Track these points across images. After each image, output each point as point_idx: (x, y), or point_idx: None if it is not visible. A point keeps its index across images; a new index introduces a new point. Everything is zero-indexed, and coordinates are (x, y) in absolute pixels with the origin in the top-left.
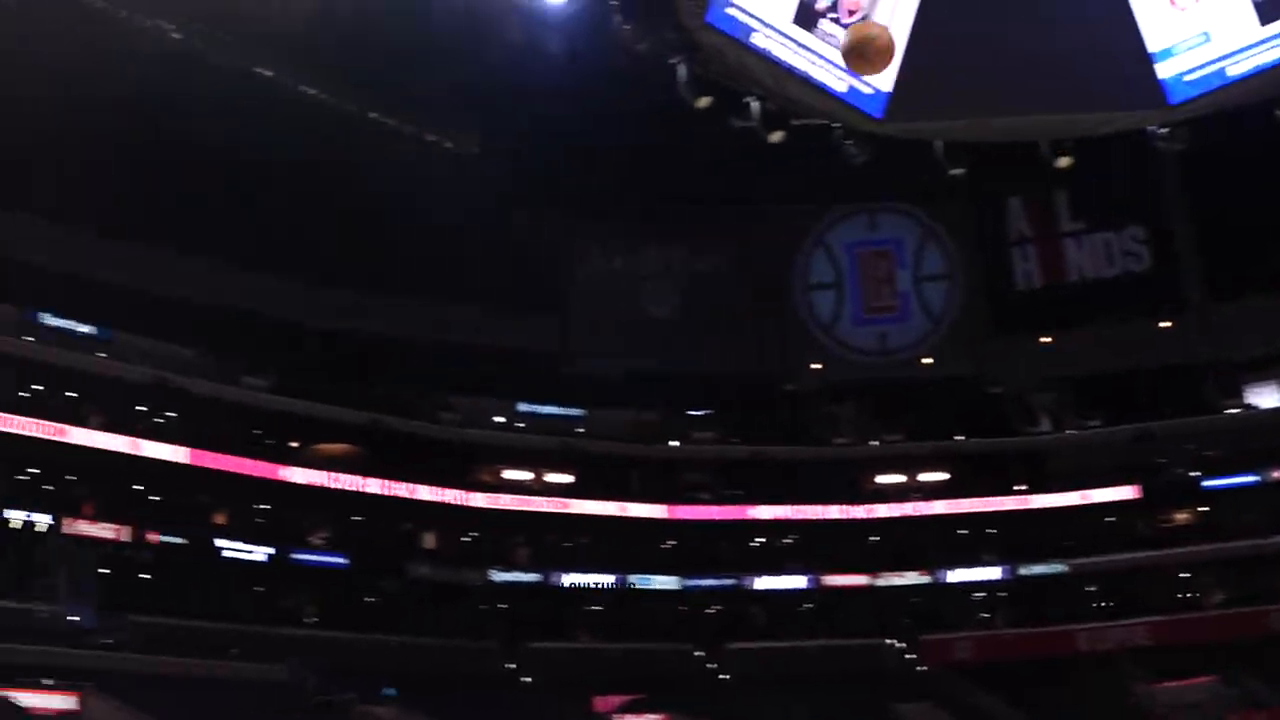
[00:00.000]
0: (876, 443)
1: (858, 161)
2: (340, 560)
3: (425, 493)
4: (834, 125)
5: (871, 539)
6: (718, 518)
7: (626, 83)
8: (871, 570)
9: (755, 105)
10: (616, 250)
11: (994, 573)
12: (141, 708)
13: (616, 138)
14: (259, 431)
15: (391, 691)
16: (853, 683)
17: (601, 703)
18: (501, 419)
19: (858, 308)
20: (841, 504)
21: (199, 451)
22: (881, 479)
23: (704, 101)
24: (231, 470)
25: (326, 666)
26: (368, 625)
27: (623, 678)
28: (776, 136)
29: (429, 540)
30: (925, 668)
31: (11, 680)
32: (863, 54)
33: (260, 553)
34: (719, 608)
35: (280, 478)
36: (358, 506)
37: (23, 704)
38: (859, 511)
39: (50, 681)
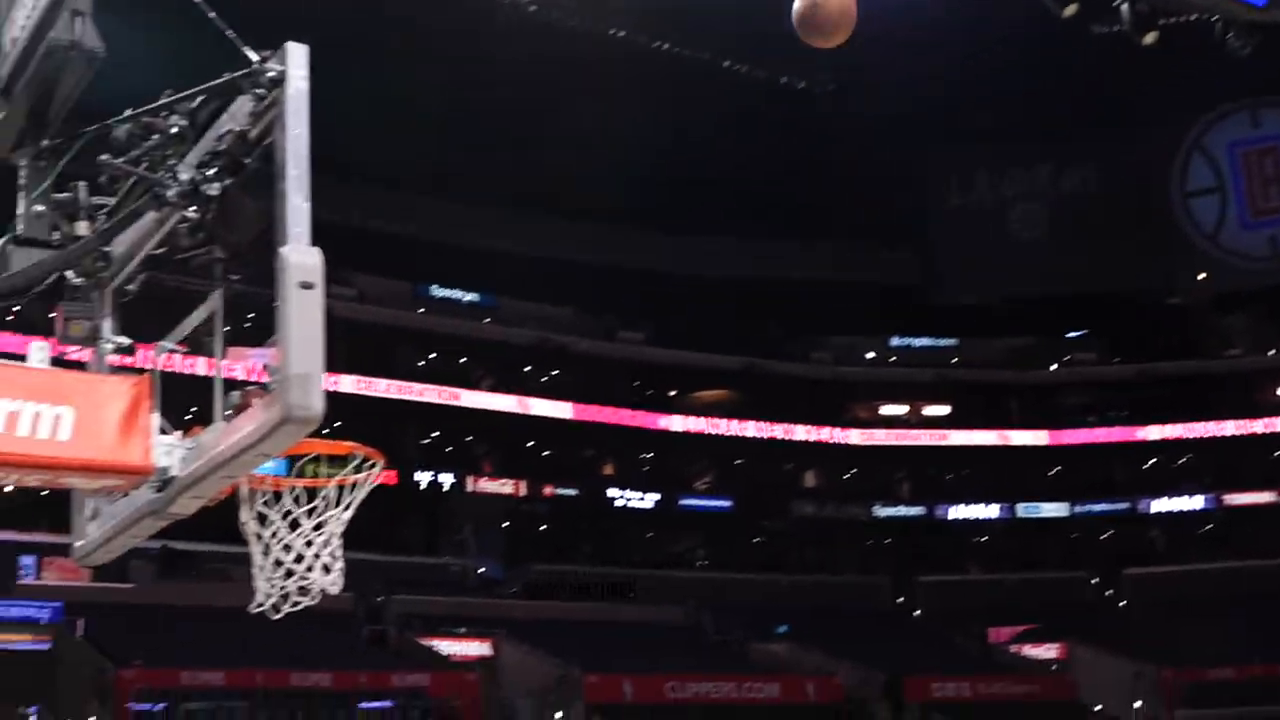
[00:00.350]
0: (1274, 352)
1: (1241, 54)
2: (724, 503)
3: (802, 433)
4: (1212, 19)
5: (1277, 454)
6: (1104, 440)
7: (982, 3)
8: (1278, 486)
9: (1125, 8)
10: (980, 176)
11: None
12: (550, 651)
13: (973, 61)
14: (638, 383)
15: (784, 629)
16: (1263, 606)
17: (996, 634)
18: (873, 354)
19: (1243, 211)
20: (1239, 418)
21: (582, 406)
22: None
23: (1070, 9)
24: (614, 422)
25: (719, 607)
26: (756, 565)
27: (1016, 608)
28: (1150, 39)
29: (810, 479)
30: None
31: (432, 630)
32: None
33: (648, 500)
34: (1112, 533)
35: (661, 427)
36: (738, 450)
37: (444, 651)
38: (1259, 426)
39: (464, 630)
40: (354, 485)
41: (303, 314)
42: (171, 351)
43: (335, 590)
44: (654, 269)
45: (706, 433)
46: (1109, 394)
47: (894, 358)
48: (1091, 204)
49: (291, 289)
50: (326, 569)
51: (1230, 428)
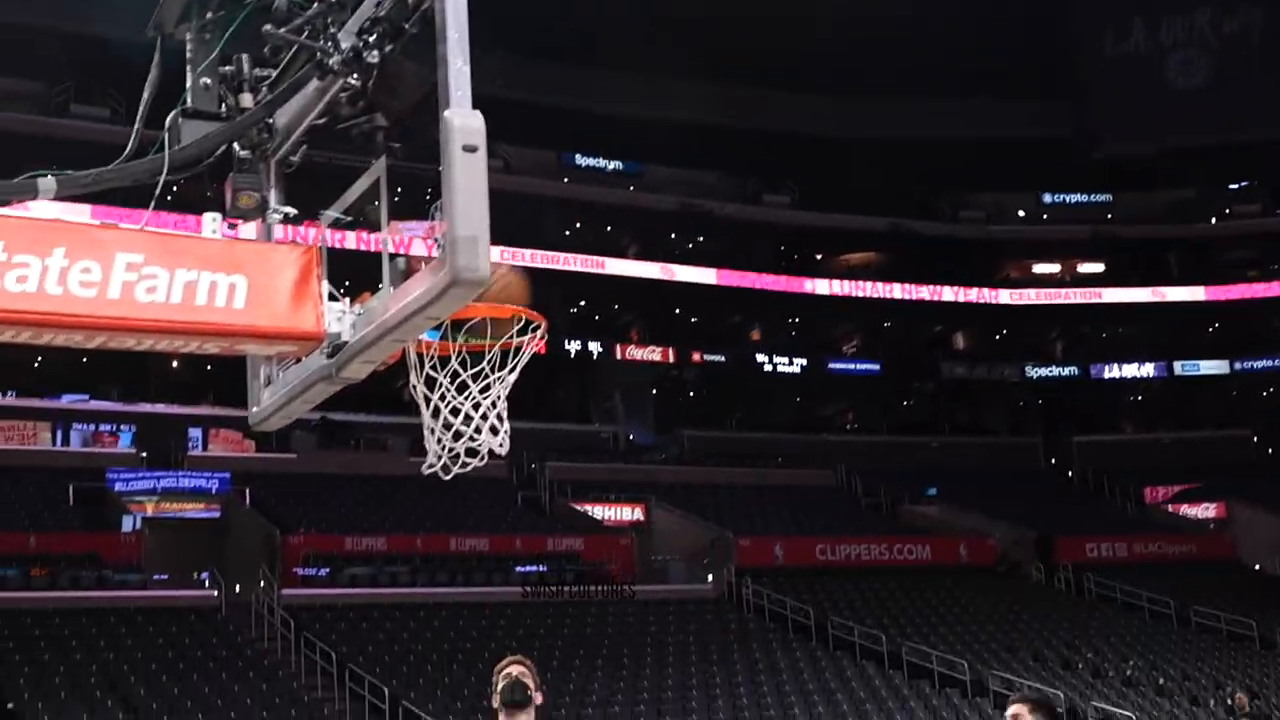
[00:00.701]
0: None
1: None
2: (873, 366)
3: (950, 294)
4: None
5: None
6: (1264, 295)
7: None
8: None
9: None
10: (1136, 23)
11: None
12: (701, 515)
13: None
14: (784, 247)
15: (933, 491)
16: None
17: (1152, 493)
18: (1025, 212)
19: None
20: None
21: (725, 271)
22: None
23: None
24: (759, 287)
25: (868, 470)
26: (906, 428)
27: (1173, 467)
28: None
29: (959, 341)
30: None
31: (584, 495)
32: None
33: (796, 364)
34: (1274, 390)
35: (807, 290)
36: (885, 312)
37: (597, 516)
38: None
39: (616, 495)
40: (517, 349)
41: (467, 177)
42: (337, 223)
43: (503, 451)
44: (799, 131)
45: (853, 295)
46: (1273, 246)
47: (1047, 215)
48: (1256, 48)
49: (455, 152)
50: (494, 430)
51: None
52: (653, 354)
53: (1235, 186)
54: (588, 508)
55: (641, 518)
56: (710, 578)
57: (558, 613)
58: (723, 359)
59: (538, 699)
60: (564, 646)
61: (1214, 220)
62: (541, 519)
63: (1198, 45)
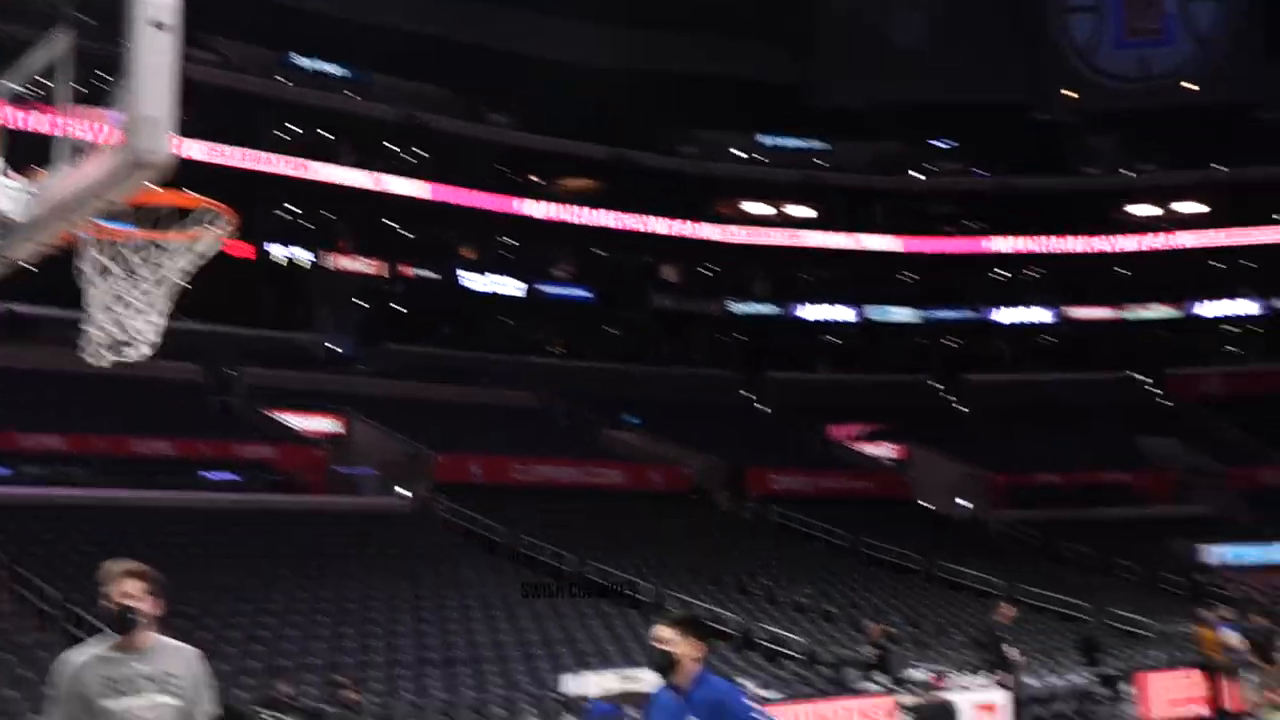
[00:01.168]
0: (1132, 174)
1: None
2: (585, 293)
3: (662, 226)
4: None
5: (1120, 271)
6: (954, 250)
7: None
8: (1118, 303)
9: None
10: None
11: (1250, 307)
12: (400, 430)
13: None
14: (502, 167)
15: (634, 419)
16: (1096, 416)
17: (838, 431)
18: (742, 152)
19: (1119, 30)
20: (1088, 235)
21: (440, 186)
22: (1133, 210)
23: None
24: (472, 205)
25: (572, 394)
26: (612, 355)
27: (860, 408)
28: None
29: (670, 273)
30: (1171, 403)
31: (282, 403)
32: None
33: (506, 286)
34: (958, 340)
35: (519, 211)
36: (599, 240)
37: (293, 425)
38: (1105, 244)
39: (314, 405)
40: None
41: (153, 54)
42: (17, 98)
43: (148, 344)
44: (528, 53)
45: (568, 221)
46: (969, 205)
47: (764, 157)
48: (974, 13)
49: (143, 27)
50: (152, 322)
51: (1079, 244)
52: (362, 265)
53: (941, 145)
54: (284, 416)
55: (340, 429)
56: (407, 492)
57: (245, 521)
58: (434, 275)
59: (153, 610)
60: (247, 556)
61: (918, 175)
62: (235, 425)
63: (920, 6)
